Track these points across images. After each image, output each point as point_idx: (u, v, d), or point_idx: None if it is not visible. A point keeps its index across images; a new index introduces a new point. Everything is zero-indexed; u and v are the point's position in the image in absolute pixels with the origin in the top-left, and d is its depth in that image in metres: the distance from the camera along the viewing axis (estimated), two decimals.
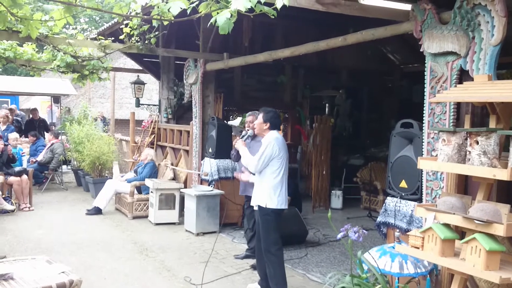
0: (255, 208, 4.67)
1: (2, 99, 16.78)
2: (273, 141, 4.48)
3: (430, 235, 3.12)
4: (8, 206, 7.87)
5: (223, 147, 7.19)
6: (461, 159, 3.13)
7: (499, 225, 2.78)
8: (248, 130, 5.27)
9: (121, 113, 19.09)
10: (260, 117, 4.64)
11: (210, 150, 7.37)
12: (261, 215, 4.58)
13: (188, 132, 8.20)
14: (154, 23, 5.38)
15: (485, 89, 3.14)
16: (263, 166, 4.49)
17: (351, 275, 3.45)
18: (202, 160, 7.64)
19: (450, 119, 3.72)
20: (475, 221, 2.88)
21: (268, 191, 4.50)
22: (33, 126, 12.06)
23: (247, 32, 8.83)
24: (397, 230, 4.06)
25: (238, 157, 5.79)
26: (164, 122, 9.56)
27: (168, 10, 3.09)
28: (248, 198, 5.76)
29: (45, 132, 12.04)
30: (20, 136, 11.37)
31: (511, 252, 3.23)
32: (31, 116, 12.55)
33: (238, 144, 4.85)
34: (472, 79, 3.48)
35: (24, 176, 8.35)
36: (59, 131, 11.11)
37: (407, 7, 4.16)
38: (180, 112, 9.71)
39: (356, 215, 8.33)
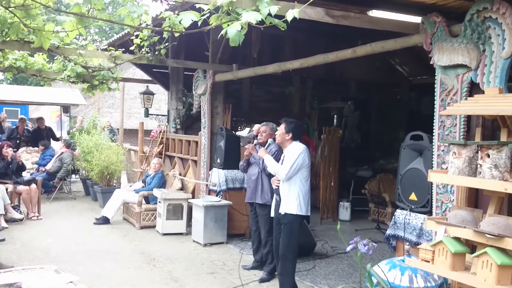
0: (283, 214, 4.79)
1: (12, 108, 16.93)
2: (305, 150, 4.71)
3: (440, 248, 3.09)
4: (17, 215, 7.90)
5: (231, 158, 7.19)
6: (472, 172, 3.11)
7: (511, 239, 2.75)
8: (259, 139, 5.52)
9: (130, 123, 19.15)
10: (282, 127, 4.79)
11: (218, 161, 7.37)
12: (286, 221, 4.72)
13: (196, 142, 8.22)
14: (165, 34, 5.43)
15: (496, 102, 3.13)
16: (294, 173, 4.66)
17: None
18: (210, 170, 7.64)
19: (461, 132, 3.71)
20: (486, 235, 2.85)
21: (299, 198, 4.68)
22: (40, 136, 12.02)
23: (256, 43, 8.88)
24: (407, 243, 4.03)
25: (246, 168, 5.81)
26: (172, 132, 9.60)
27: (180, 22, 3.12)
28: (253, 206, 5.77)
29: (52, 140, 12.05)
30: (28, 146, 11.45)
31: None
32: (37, 125, 12.49)
33: (261, 152, 5.02)
34: (482, 92, 3.47)
35: (33, 185, 8.39)
36: (71, 141, 11.11)
37: (417, 19, 4.17)
38: (189, 122, 9.75)
39: (364, 227, 8.27)
